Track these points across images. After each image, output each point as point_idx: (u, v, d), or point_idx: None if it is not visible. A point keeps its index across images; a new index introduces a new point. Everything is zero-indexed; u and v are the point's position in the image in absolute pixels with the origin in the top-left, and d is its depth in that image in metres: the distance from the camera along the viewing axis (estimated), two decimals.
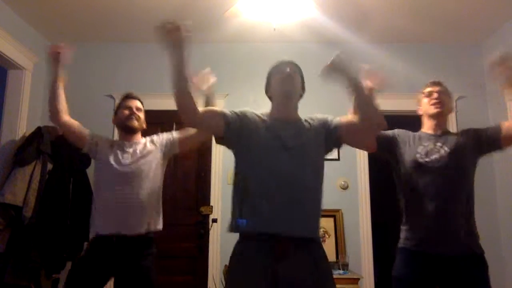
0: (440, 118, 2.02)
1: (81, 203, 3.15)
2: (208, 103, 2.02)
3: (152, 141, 2.27)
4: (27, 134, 3.32)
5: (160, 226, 2.17)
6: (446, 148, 1.91)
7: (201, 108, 1.70)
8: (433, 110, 2.01)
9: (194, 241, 3.33)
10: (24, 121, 3.48)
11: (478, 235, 1.89)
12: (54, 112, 2.15)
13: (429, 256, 1.81)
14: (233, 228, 1.55)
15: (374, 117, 1.61)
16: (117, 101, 3.89)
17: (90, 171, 3.44)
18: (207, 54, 3.88)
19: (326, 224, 3.47)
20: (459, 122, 3.56)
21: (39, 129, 3.31)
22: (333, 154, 3.41)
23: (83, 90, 3.80)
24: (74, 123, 2.22)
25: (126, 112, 2.27)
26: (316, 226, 1.59)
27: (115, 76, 3.84)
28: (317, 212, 1.60)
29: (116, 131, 3.71)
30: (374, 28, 3.54)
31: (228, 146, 1.71)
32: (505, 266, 3.20)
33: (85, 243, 3.33)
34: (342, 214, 3.54)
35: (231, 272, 1.57)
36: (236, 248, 1.56)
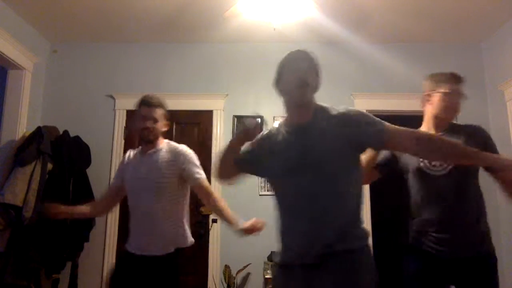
0: (448, 120, 1.87)
1: (81, 203, 3.15)
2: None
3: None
4: (27, 134, 3.32)
5: None
6: None
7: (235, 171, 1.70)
8: (446, 115, 1.84)
9: (194, 241, 3.33)
10: (24, 121, 3.48)
11: (489, 234, 1.83)
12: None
13: (440, 258, 1.77)
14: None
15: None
16: (117, 101, 3.92)
17: (90, 171, 3.45)
18: (207, 54, 3.90)
19: None
20: (459, 122, 3.55)
21: (39, 129, 3.31)
22: None
23: (83, 90, 3.80)
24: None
25: (141, 124, 2.13)
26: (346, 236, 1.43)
27: (115, 76, 3.84)
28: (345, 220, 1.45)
29: (115, 132, 3.72)
30: (374, 28, 3.54)
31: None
32: (505, 266, 3.22)
33: (85, 243, 3.35)
34: None
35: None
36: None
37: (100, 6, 3.27)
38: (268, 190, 3.48)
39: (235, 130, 3.68)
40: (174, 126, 3.66)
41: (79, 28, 3.65)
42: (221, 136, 3.70)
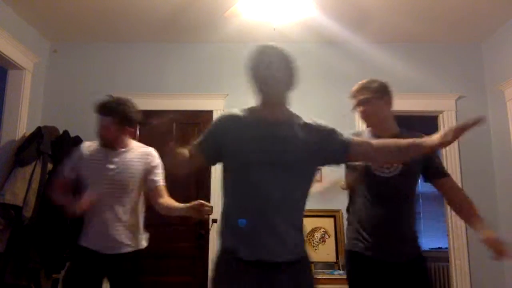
0: (378, 125, 1.97)
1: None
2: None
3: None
4: (27, 134, 3.32)
5: None
6: None
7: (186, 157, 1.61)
8: (367, 124, 2.01)
9: (194, 241, 3.34)
10: (24, 121, 3.48)
11: (418, 238, 1.91)
12: None
13: (378, 262, 1.81)
14: None
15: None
16: None
17: None
18: (207, 54, 3.90)
19: (326, 224, 3.47)
20: (459, 122, 3.56)
21: (39, 129, 3.31)
22: None
23: (83, 90, 3.80)
24: None
25: (96, 129, 2.24)
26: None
27: (115, 76, 3.84)
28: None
29: None
30: (374, 28, 3.54)
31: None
32: (505, 266, 3.22)
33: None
34: (342, 214, 3.54)
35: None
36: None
37: (100, 6, 3.27)
38: None
39: None
40: (174, 126, 3.67)
41: (79, 28, 3.65)
42: None
